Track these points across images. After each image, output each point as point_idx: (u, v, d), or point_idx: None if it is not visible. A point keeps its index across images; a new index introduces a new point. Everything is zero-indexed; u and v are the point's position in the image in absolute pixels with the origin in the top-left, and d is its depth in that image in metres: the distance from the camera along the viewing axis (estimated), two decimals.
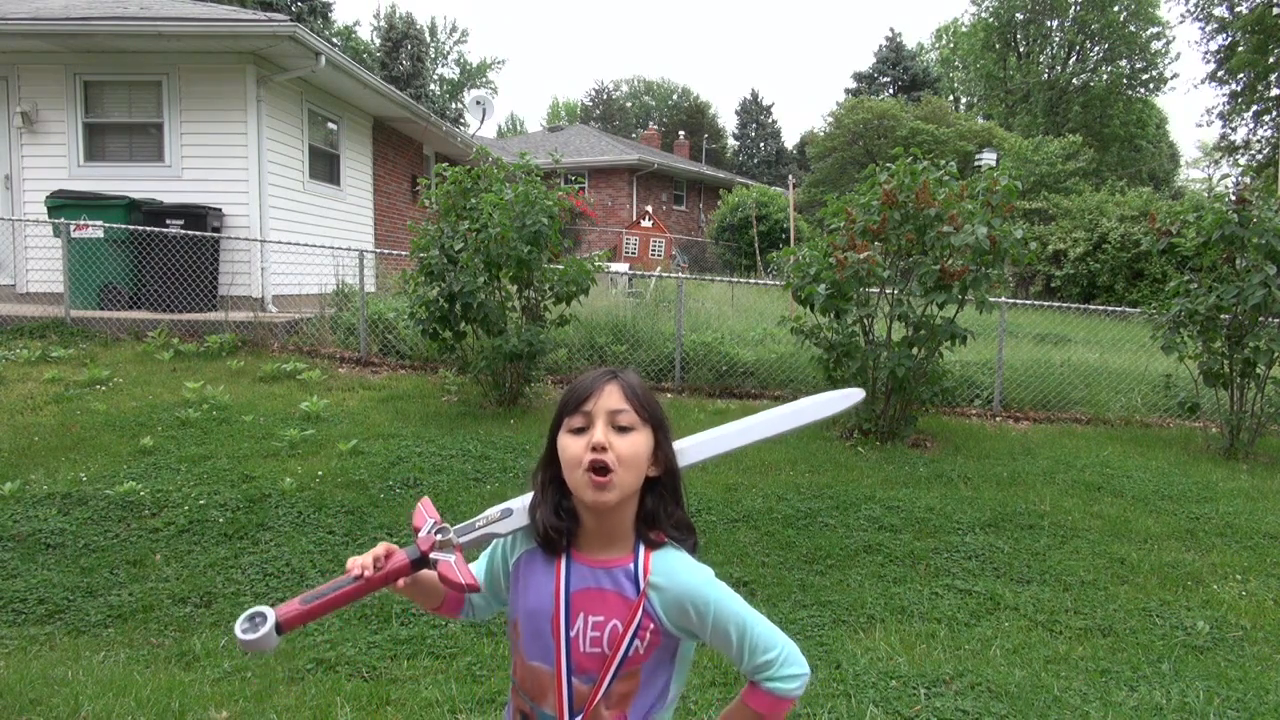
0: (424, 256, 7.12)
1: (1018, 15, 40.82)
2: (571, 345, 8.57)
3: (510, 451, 5.96)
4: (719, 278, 14.56)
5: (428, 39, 44.95)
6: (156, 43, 9.60)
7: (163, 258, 9.34)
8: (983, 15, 42.19)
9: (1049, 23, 40.71)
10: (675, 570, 1.39)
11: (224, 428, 6.21)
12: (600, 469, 1.33)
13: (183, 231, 9.26)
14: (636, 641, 1.37)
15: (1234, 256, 6.95)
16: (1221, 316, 6.90)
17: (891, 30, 68.00)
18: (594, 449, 1.34)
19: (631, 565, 1.39)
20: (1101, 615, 4.05)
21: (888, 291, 6.77)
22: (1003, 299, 8.19)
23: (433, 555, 1.38)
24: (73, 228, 9.01)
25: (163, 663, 3.50)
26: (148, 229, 9.22)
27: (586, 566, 1.41)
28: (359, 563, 1.33)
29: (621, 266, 15.26)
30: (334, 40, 34.64)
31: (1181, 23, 56.17)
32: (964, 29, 45.42)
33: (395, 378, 8.21)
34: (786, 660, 1.39)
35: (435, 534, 1.40)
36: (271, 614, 1.28)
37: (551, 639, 1.39)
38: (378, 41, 41.20)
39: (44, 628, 3.78)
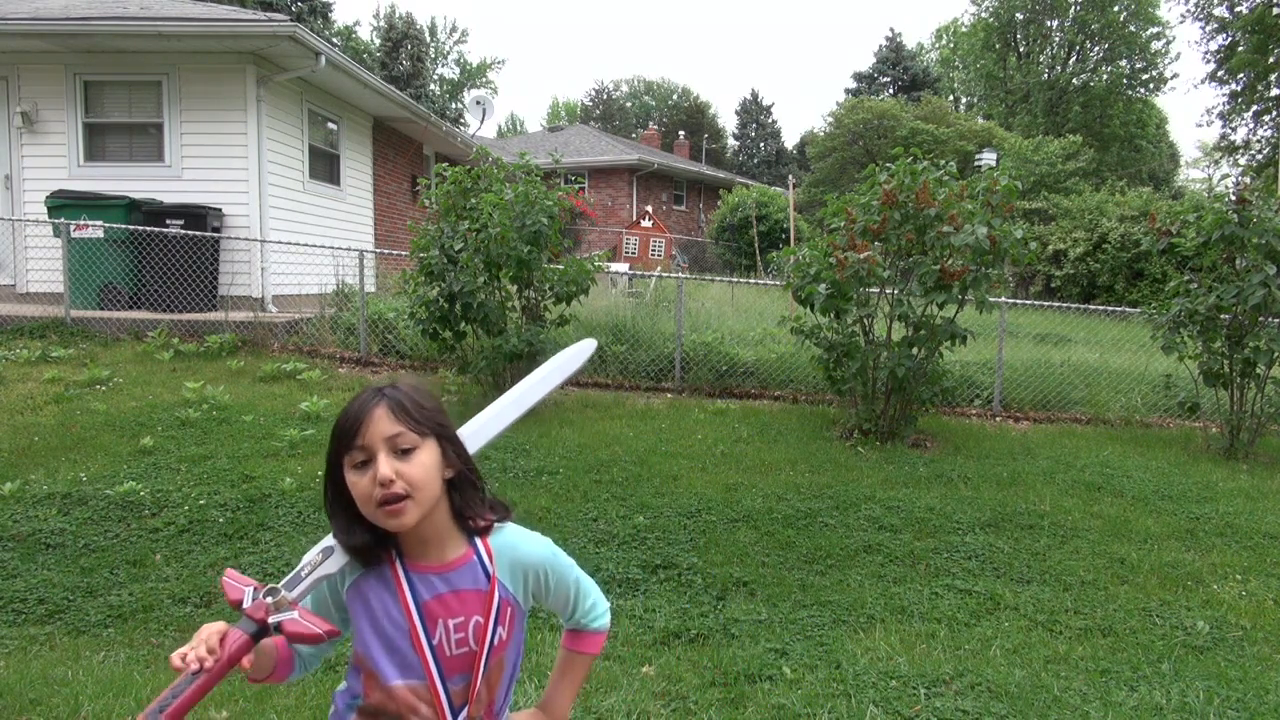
0: (424, 256, 7.12)
1: (1018, 15, 40.82)
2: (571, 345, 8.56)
3: (510, 452, 5.96)
4: (719, 278, 14.56)
5: (428, 39, 44.95)
6: (156, 43, 9.60)
7: (163, 258, 9.35)
8: (983, 15, 42.19)
9: (1049, 23, 40.71)
10: (516, 545, 1.45)
11: (224, 428, 6.21)
12: (393, 500, 1.32)
13: (183, 231, 9.26)
14: (501, 629, 1.42)
15: (1234, 256, 6.95)
16: (1221, 316, 6.90)
17: (891, 30, 68.02)
18: (381, 484, 1.31)
19: (475, 558, 1.42)
20: (1101, 615, 4.05)
21: (888, 291, 6.77)
22: (1003, 299, 8.19)
23: (271, 620, 1.31)
24: (73, 228, 9.01)
25: (163, 663, 3.50)
26: (148, 229, 9.23)
27: (432, 574, 1.40)
28: (193, 655, 1.25)
29: (621, 266, 15.26)
30: (334, 40, 34.64)
31: (1181, 23, 56.27)
32: (964, 29, 45.42)
33: (395, 378, 8.20)
34: (599, 599, 1.56)
35: (265, 598, 1.33)
36: None
37: (415, 654, 1.39)
38: (378, 41, 41.19)
39: (44, 628, 3.78)
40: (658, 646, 3.63)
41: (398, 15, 40.32)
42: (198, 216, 9.47)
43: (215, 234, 9.59)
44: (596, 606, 1.54)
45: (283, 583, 1.38)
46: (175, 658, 1.26)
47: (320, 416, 6.53)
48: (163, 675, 3.35)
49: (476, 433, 1.61)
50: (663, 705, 3.13)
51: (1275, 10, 27.89)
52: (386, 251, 11.66)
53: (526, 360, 7.11)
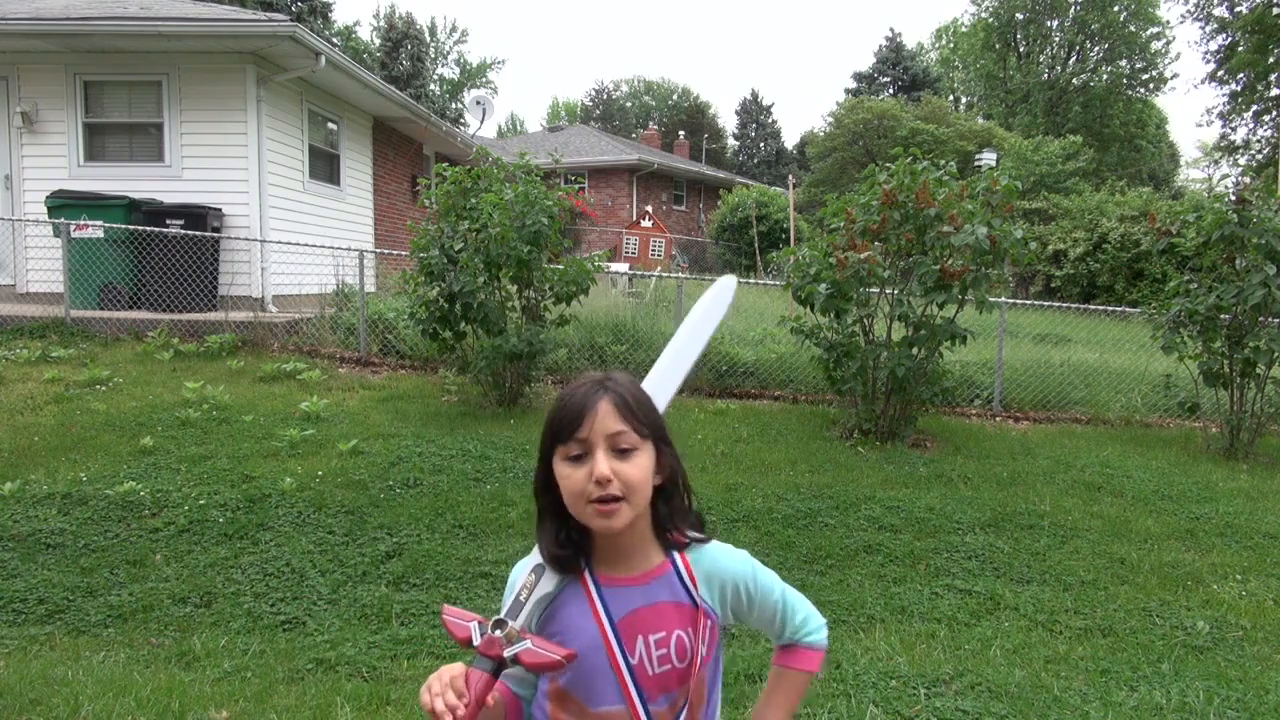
0: (424, 256, 7.12)
1: (1018, 15, 40.83)
2: (571, 345, 8.57)
3: (510, 451, 5.96)
4: (718, 278, 14.54)
5: (428, 39, 44.94)
6: (156, 43, 9.60)
7: (163, 258, 9.34)
8: (983, 15, 42.21)
9: (1049, 23, 40.72)
10: (715, 558, 1.37)
11: (224, 428, 6.21)
12: (608, 500, 1.26)
13: (183, 231, 9.26)
14: (702, 646, 1.33)
15: (1234, 256, 6.95)
16: (1221, 316, 6.90)
17: (891, 30, 68.02)
18: (598, 482, 1.25)
19: (673, 569, 1.34)
20: (1101, 615, 4.05)
21: (888, 291, 6.77)
22: (1003, 299, 8.19)
23: (507, 654, 1.24)
24: (73, 228, 9.01)
25: (163, 663, 3.50)
26: (148, 229, 9.23)
27: (626, 587, 1.33)
28: (439, 704, 1.17)
29: (621, 266, 15.25)
30: (334, 40, 34.64)
31: (1181, 23, 56.21)
32: (964, 29, 45.44)
33: (395, 378, 8.21)
34: (812, 614, 1.44)
35: (494, 631, 1.26)
36: None
37: (613, 674, 1.29)
38: (378, 41, 41.19)
39: (44, 628, 3.78)
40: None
41: (398, 15, 40.32)
42: (198, 216, 9.47)
43: (215, 234, 9.59)
44: (809, 622, 1.43)
45: (505, 612, 1.31)
46: (425, 700, 1.19)
47: (320, 416, 6.53)
48: (163, 675, 3.36)
49: (657, 395, 1.52)
50: None
51: (1275, 10, 27.89)
52: (386, 251, 11.66)
53: (526, 360, 7.11)
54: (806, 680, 1.46)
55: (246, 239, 9.77)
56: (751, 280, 13.43)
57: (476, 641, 1.26)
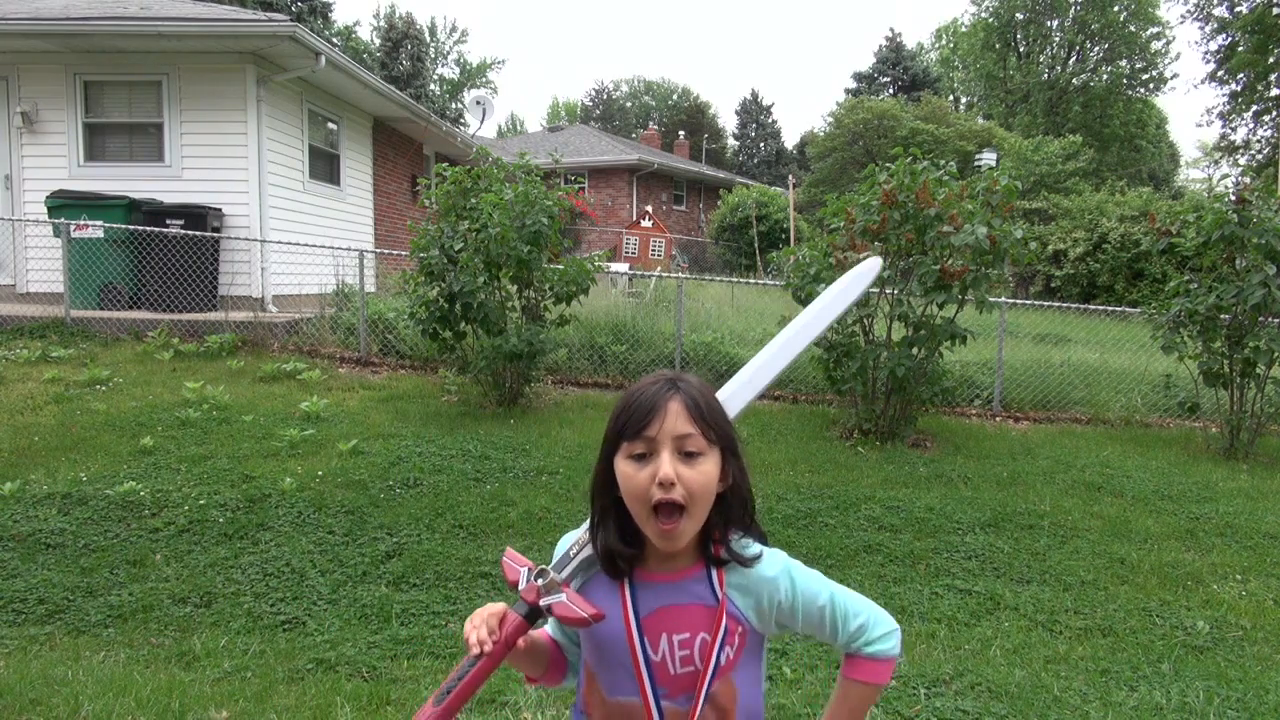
0: (424, 256, 7.12)
1: (1018, 15, 40.82)
2: (571, 345, 8.57)
3: (510, 451, 5.96)
4: (719, 278, 14.56)
5: (428, 39, 44.94)
6: (156, 43, 9.60)
7: (163, 258, 9.34)
8: (983, 15, 42.20)
9: (1049, 23, 40.72)
10: (748, 570, 1.33)
11: (224, 428, 6.21)
12: (669, 508, 1.23)
13: (183, 231, 9.26)
14: (727, 650, 1.30)
15: (1234, 256, 6.95)
16: (1221, 316, 6.90)
17: (891, 30, 68.04)
18: (661, 485, 1.22)
19: (703, 571, 1.31)
20: (1101, 615, 4.05)
21: (888, 291, 6.77)
22: (1003, 299, 8.19)
23: (543, 602, 1.29)
24: (73, 228, 9.01)
25: (163, 663, 3.50)
26: (148, 229, 9.23)
27: (656, 584, 1.31)
28: (474, 636, 1.23)
29: (621, 266, 15.25)
30: (334, 40, 34.64)
31: (1181, 23, 56.19)
32: (964, 29, 45.43)
33: (395, 378, 8.21)
34: (875, 620, 1.35)
35: (536, 579, 1.31)
36: None
37: (633, 668, 1.29)
38: (378, 41, 41.18)
39: (44, 628, 3.78)
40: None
41: (398, 15, 40.32)
42: (198, 216, 9.47)
43: (215, 234, 9.59)
44: (871, 628, 1.34)
45: (553, 563, 1.35)
46: (466, 631, 1.24)
47: (320, 416, 6.53)
48: (163, 675, 3.36)
49: (735, 396, 1.49)
50: None
51: (1275, 10, 27.89)
52: (386, 251, 11.66)
53: (526, 360, 7.11)
54: (870, 693, 1.37)
55: (246, 239, 9.77)
56: (751, 280, 13.42)
57: (521, 586, 1.31)
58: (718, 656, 1.28)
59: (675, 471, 1.22)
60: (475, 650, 1.23)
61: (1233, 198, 6.96)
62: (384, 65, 37.44)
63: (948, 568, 4.55)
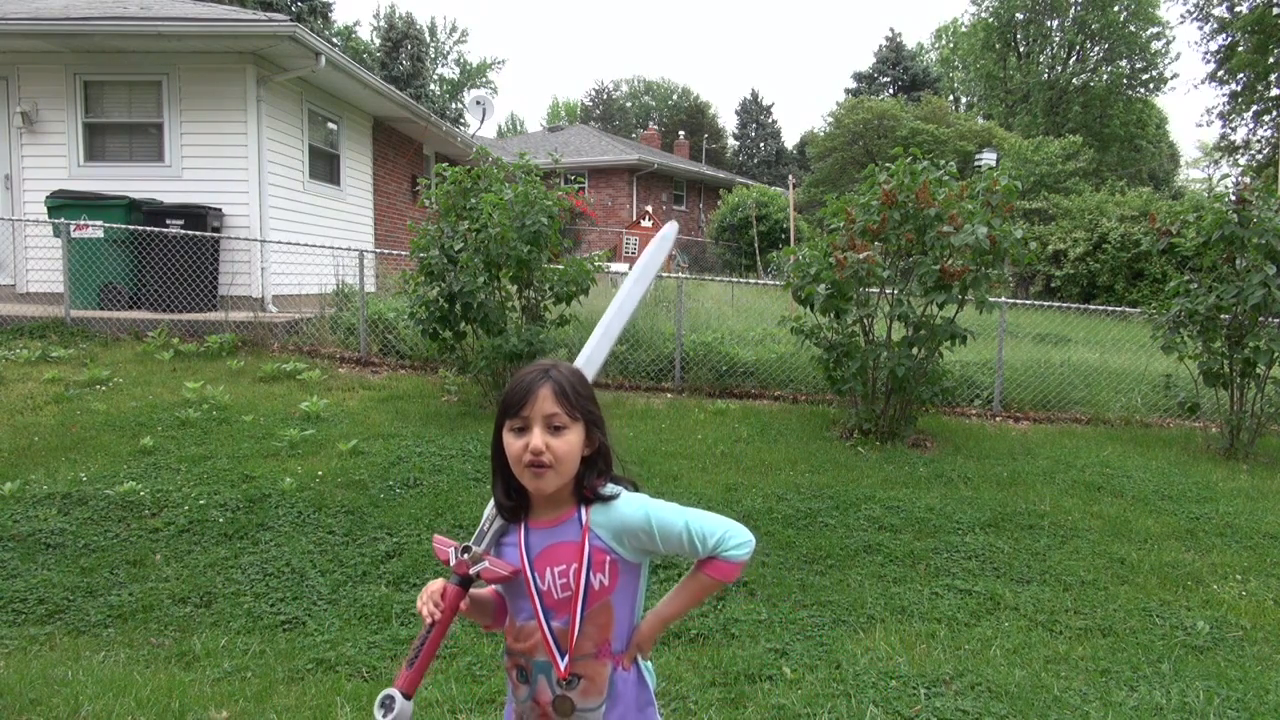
0: (424, 256, 7.12)
1: (1018, 15, 40.80)
2: (571, 345, 8.55)
3: None
4: (719, 278, 14.56)
5: (428, 39, 44.95)
6: (156, 43, 9.60)
7: (163, 258, 9.35)
8: (983, 15, 42.18)
9: (1049, 23, 40.70)
10: (611, 510, 1.62)
11: (224, 428, 6.21)
12: (538, 466, 1.56)
13: (183, 231, 9.26)
14: (600, 576, 1.60)
15: (1234, 256, 6.95)
16: (1221, 316, 6.90)
17: (891, 30, 68.05)
18: (532, 452, 1.56)
19: (576, 514, 1.63)
20: (1101, 615, 4.05)
21: (888, 291, 6.77)
22: (1003, 299, 8.19)
23: (471, 571, 1.63)
24: (73, 228, 9.01)
25: (163, 663, 3.50)
26: (148, 229, 9.23)
27: (542, 529, 1.65)
28: (425, 610, 1.62)
29: (621, 266, 15.25)
30: (334, 40, 34.63)
31: (1181, 23, 56.18)
32: (964, 29, 45.41)
33: (395, 378, 8.21)
34: (730, 533, 1.62)
35: (463, 555, 1.64)
36: (396, 692, 1.57)
37: (527, 596, 1.63)
38: (378, 41, 41.19)
39: (44, 628, 3.78)
40: (658, 646, 3.63)
41: (398, 15, 40.33)
42: (198, 216, 9.47)
43: (215, 234, 9.59)
44: (727, 539, 1.61)
45: (473, 540, 1.68)
46: (419, 606, 1.64)
47: (320, 416, 6.53)
48: (163, 675, 3.36)
49: (590, 358, 1.84)
50: (662, 705, 3.13)
51: (1275, 10, 27.89)
52: (386, 251, 11.66)
53: (526, 360, 7.11)
54: (715, 587, 1.67)
55: (246, 239, 9.77)
56: (751, 280, 13.42)
57: (453, 563, 1.65)
58: (587, 580, 1.59)
59: (544, 442, 1.57)
60: (429, 620, 1.61)
61: (1233, 198, 6.95)
62: (384, 65, 37.45)
63: (948, 568, 4.55)
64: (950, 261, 6.39)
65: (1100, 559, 4.70)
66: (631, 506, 1.63)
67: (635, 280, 1.97)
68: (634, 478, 1.72)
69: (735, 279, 13.50)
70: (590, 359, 1.85)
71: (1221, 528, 5.22)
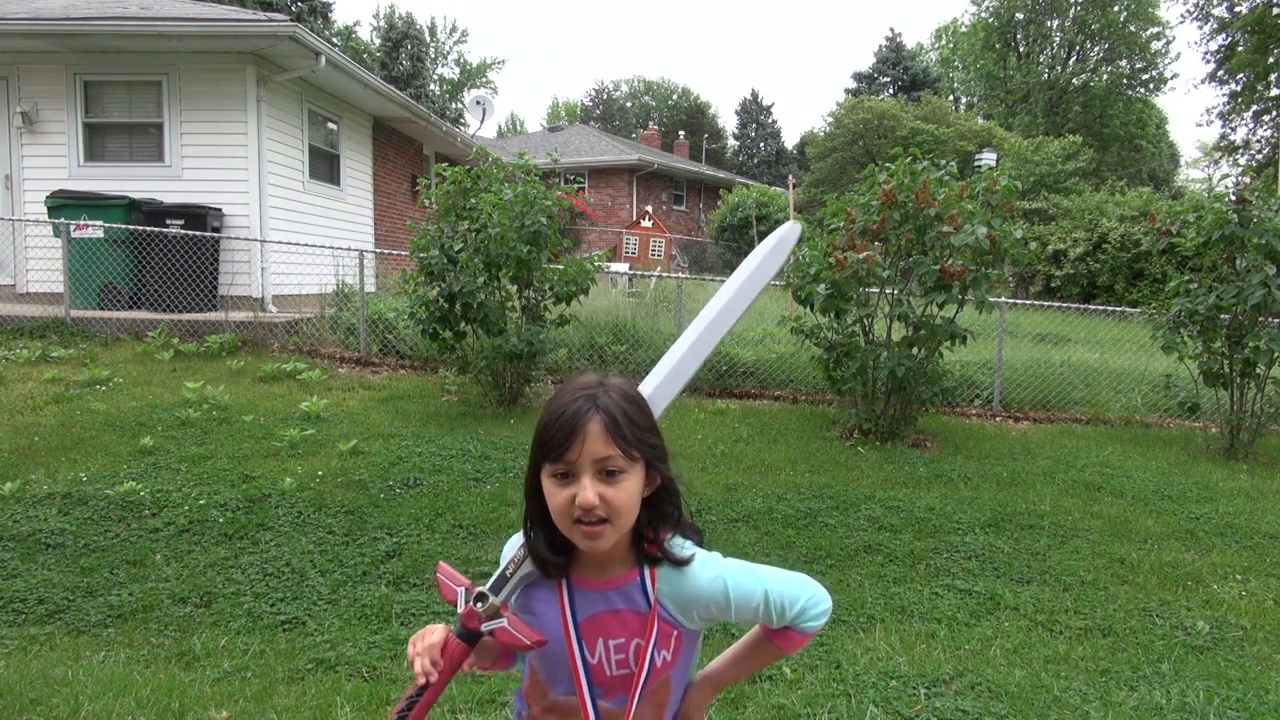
0: (424, 256, 7.12)
1: (1018, 15, 40.81)
2: (571, 345, 8.57)
3: (510, 451, 5.96)
4: (719, 278, 14.55)
5: (428, 39, 44.93)
6: (156, 43, 9.60)
7: (163, 258, 9.34)
8: (983, 15, 42.19)
9: (1049, 23, 40.70)
10: (683, 583, 1.35)
11: (224, 428, 6.21)
12: (591, 523, 1.26)
13: (183, 231, 9.26)
14: (664, 653, 1.34)
15: (1234, 256, 6.95)
16: (1221, 316, 6.90)
17: (891, 30, 68.04)
18: (582, 508, 1.25)
19: (638, 578, 1.34)
20: (1101, 615, 4.05)
21: (888, 291, 6.77)
22: (1003, 299, 8.19)
23: (483, 628, 1.34)
24: (73, 228, 9.01)
25: (163, 663, 3.50)
26: (148, 229, 9.23)
27: (593, 590, 1.35)
28: (419, 665, 1.30)
29: (621, 266, 15.26)
30: (334, 40, 34.64)
31: (1181, 23, 56.16)
32: (964, 29, 45.41)
33: (395, 378, 8.21)
34: (813, 599, 1.38)
35: (475, 604, 1.35)
36: None
37: (569, 669, 1.34)
38: (378, 42, 41.18)
39: (44, 628, 3.78)
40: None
41: (398, 15, 40.31)
42: (198, 216, 9.47)
43: (215, 234, 9.59)
44: (809, 609, 1.37)
45: (489, 584, 1.37)
46: (411, 656, 1.32)
47: (320, 416, 6.53)
48: (163, 675, 3.36)
49: (660, 389, 1.51)
50: None
51: (1275, 10, 27.89)
52: (386, 251, 11.66)
53: (526, 360, 7.11)
54: (780, 658, 1.46)
55: (246, 239, 9.77)
56: None
57: (460, 608, 1.34)
58: (652, 661, 1.33)
59: (597, 493, 1.25)
60: (422, 679, 1.30)
61: (1233, 198, 6.96)
62: (384, 65, 37.44)
63: (948, 568, 4.55)
64: (950, 261, 6.39)
65: (1100, 559, 4.70)
66: (708, 575, 1.34)
67: (737, 292, 1.58)
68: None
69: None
70: (662, 388, 1.50)
71: (1221, 528, 5.22)
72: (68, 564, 4.28)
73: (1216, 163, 35.59)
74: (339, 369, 8.40)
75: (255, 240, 9.83)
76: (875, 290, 6.74)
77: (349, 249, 10.35)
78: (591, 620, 1.34)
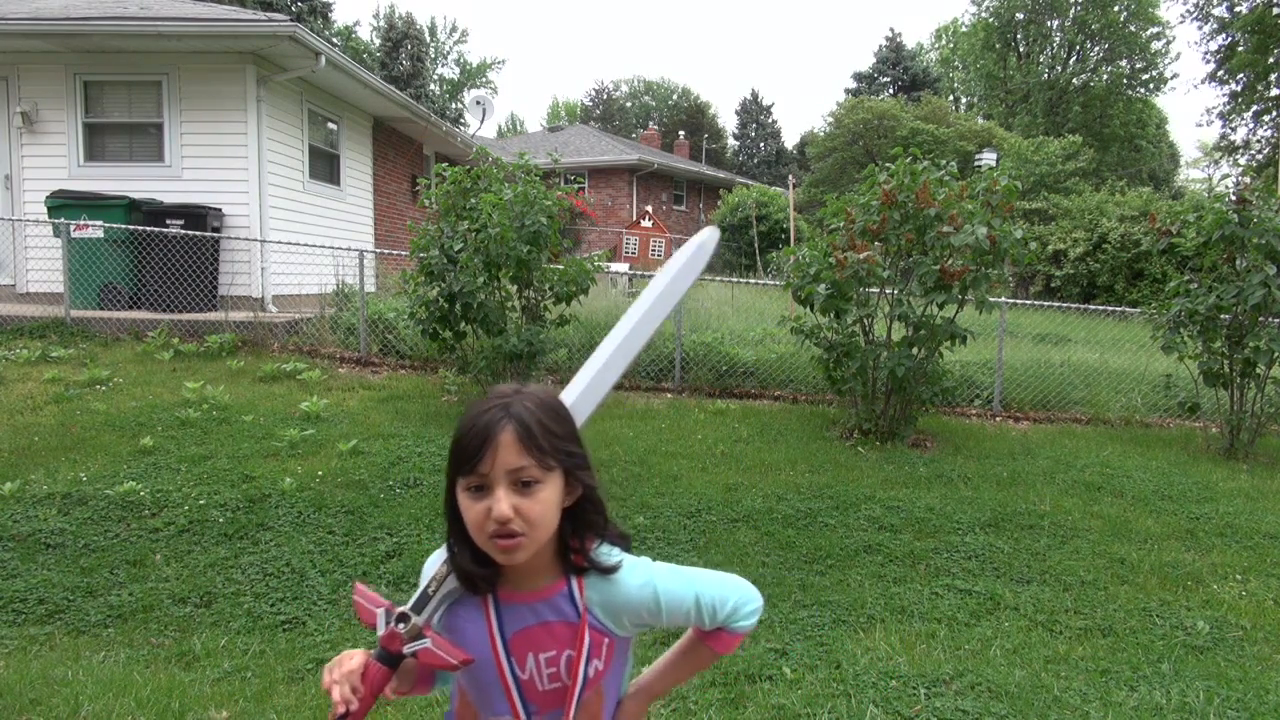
0: (424, 256, 7.12)
1: (1018, 15, 40.82)
2: (571, 345, 8.57)
3: None
4: (719, 278, 14.55)
5: (428, 39, 44.94)
6: (156, 43, 9.60)
7: (163, 258, 9.34)
8: (983, 15, 42.20)
9: (1049, 23, 40.72)
10: (611, 591, 1.33)
11: (224, 428, 6.21)
12: (506, 536, 1.23)
13: (183, 231, 9.26)
14: (596, 662, 1.32)
15: (1234, 256, 6.94)
16: (1221, 316, 6.90)
17: (891, 30, 68.06)
18: (497, 522, 1.21)
19: (566, 588, 1.32)
20: (1101, 615, 4.05)
21: (888, 291, 6.77)
22: (1003, 299, 8.19)
23: (406, 649, 1.28)
24: (73, 228, 9.01)
25: (163, 663, 3.50)
26: (148, 229, 9.23)
27: (521, 604, 1.32)
28: (336, 693, 1.23)
29: (621, 266, 15.26)
30: (334, 40, 34.64)
31: (1181, 23, 56.19)
32: (964, 29, 45.43)
33: (395, 378, 8.21)
34: (743, 599, 1.38)
35: (397, 625, 1.29)
36: None
37: (501, 688, 1.31)
38: (378, 41, 41.19)
39: (44, 628, 3.78)
40: (658, 646, 3.63)
41: (398, 15, 40.32)
42: (198, 216, 9.47)
43: (215, 234, 9.59)
44: (740, 608, 1.37)
45: (410, 604, 1.32)
46: (326, 684, 1.25)
47: (320, 416, 6.53)
48: (163, 675, 3.36)
49: (583, 397, 1.46)
50: (662, 705, 3.13)
51: (1275, 10, 27.89)
52: (386, 251, 11.66)
53: (526, 360, 7.11)
54: (715, 660, 1.45)
55: (246, 239, 9.77)
56: (751, 280, 13.43)
57: (380, 630, 1.28)
58: (585, 671, 1.30)
59: (511, 505, 1.21)
60: (341, 709, 1.23)
61: (1233, 198, 6.96)
62: (384, 65, 37.45)
63: (948, 568, 4.55)
64: (950, 261, 6.39)
65: (1100, 559, 4.70)
66: (637, 581, 1.33)
67: (658, 298, 1.55)
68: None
69: (735, 279, 13.50)
70: (585, 395, 1.46)
71: (1221, 528, 5.22)
72: (68, 564, 4.28)
73: (1216, 163, 35.61)
74: (339, 369, 8.40)
75: (255, 240, 9.83)
76: (875, 290, 6.74)
77: (349, 249, 10.35)
78: (521, 635, 1.31)
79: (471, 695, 1.36)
